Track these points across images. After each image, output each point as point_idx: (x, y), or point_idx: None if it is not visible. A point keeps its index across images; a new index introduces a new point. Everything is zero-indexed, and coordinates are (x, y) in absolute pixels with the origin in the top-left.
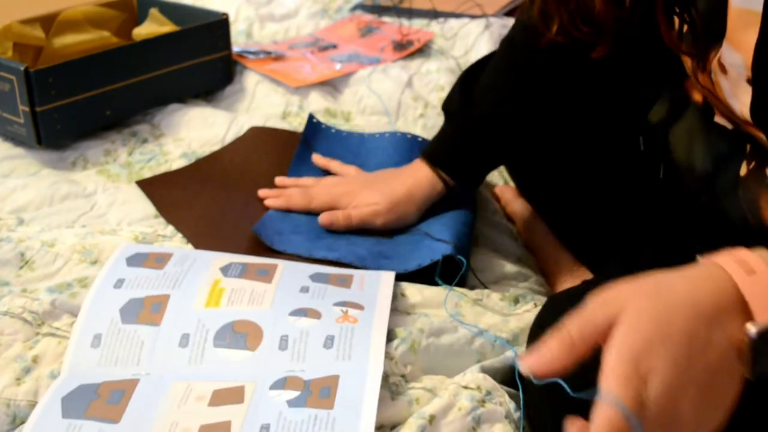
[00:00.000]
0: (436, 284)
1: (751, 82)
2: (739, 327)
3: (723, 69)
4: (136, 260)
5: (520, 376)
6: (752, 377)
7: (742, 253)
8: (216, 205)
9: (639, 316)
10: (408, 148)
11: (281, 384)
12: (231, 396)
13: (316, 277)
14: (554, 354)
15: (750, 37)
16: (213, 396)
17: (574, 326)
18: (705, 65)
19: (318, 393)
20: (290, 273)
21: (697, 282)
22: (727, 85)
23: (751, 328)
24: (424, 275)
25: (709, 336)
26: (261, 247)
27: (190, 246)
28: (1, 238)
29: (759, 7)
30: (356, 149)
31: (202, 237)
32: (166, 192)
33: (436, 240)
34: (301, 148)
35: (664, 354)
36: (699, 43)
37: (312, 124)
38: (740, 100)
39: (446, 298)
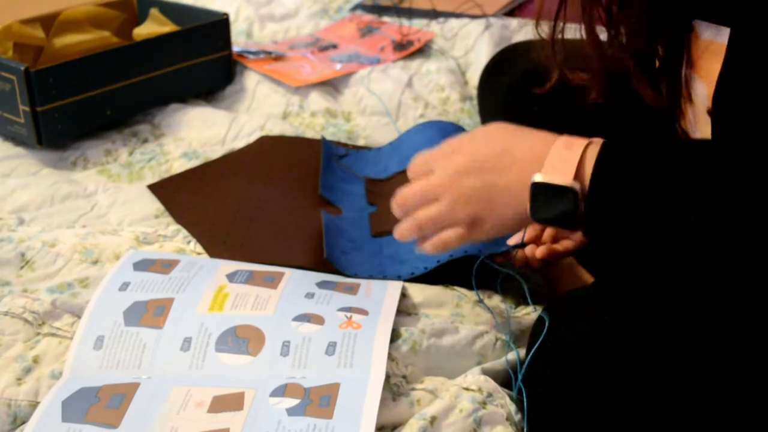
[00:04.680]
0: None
1: (710, 113)
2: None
3: (690, 97)
4: (143, 265)
5: (522, 379)
6: (531, 217)
7: (582, 142)
8: (228, 211)
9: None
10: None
11: (281, 391)
12: (231, 403)
13: (323, 284)
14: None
15: (714, 67)
16: (213, 402)
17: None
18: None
19: (318, 401)
20: (297, 280)
21: (540, 140)
22: (692, 115)
23: (536, 177)
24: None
25: (510, 168)
26: (275, 253)
27: (191, 245)
28: (1, 238)
29: (724, 40)
30: (374, 157)
31: (216, 245)
32: (177, 195)
33: None
34: (325, 160)
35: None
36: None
37: (327, 144)
38: (702, 131)
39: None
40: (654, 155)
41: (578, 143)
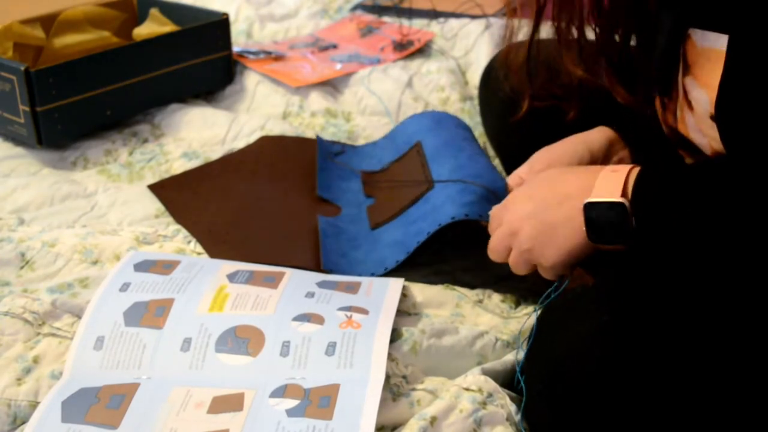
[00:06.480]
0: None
1: (714, 118)
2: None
3: (690, 105)
4: (143, 266)
5: (521, 378)
6: (590, 239)
7: (627, 166)
8: (228, 211)
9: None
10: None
11: (281, 392)
12: (230, 403)
13: (324, 284)
14: None
15: (714, 74)
16: (212, 403)
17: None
18: (668, 102)
19: (317, 402)
20: (297, 280)
21: (587, 172)
22: (692, 121)
23: (587, 199)
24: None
25: (566, 203)
26: (275, 253)
27: (191, 245)
28: (1, 238)
29: (723, 47)
30: (369, 151)
31: (216, 244)
32: (177, 195)
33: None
34: (321, 159)
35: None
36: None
37: (322, 143)
38: (708, 134)
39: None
40: (690, 169)
41: (623, 167)
